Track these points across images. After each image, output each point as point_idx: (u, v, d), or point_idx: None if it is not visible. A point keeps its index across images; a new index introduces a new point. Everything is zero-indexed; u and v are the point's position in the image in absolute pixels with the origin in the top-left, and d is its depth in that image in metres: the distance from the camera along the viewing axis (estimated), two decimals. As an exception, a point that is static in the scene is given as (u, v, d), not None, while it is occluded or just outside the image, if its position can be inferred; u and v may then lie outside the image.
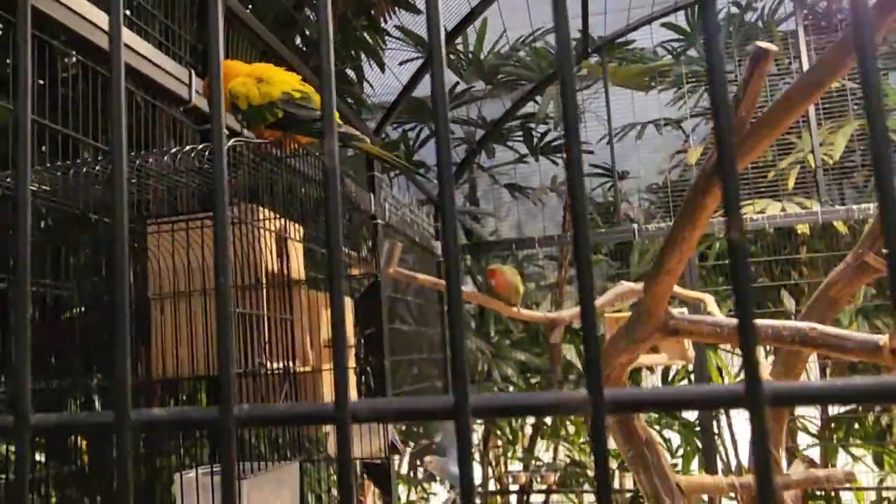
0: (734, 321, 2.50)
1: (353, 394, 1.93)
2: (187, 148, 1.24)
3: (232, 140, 1.30)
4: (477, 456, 5.77)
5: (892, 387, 0.27)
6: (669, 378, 5.18)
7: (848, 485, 3.18)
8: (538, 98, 5.41)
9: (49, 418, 0.32)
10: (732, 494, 2.90)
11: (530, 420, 5.62)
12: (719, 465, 4.77)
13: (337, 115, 1.32)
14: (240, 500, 1.16)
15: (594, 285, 0.32)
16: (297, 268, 1.75)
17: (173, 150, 1.23)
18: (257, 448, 1.46)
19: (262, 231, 1.51)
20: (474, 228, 5.52)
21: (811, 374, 5.06)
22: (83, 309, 1.74)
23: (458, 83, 5.60)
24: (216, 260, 0.39)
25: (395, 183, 5.02)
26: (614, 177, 4.99)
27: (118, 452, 0.31)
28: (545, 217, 5.80)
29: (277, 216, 1.61)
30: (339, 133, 1.46)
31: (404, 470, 5.23)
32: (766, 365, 2.97)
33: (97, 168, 1.37)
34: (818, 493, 4.82)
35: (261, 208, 1.58)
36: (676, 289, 3.59)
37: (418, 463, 5.29)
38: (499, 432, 5.61)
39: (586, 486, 5.14)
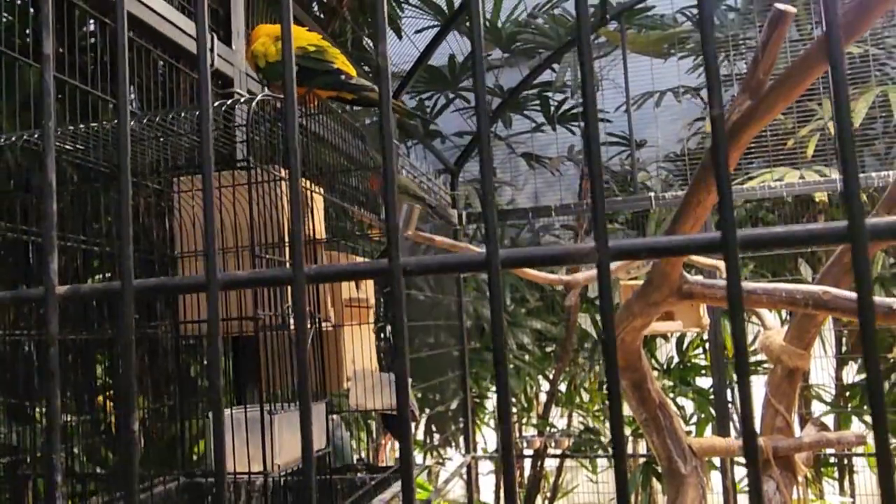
0: (748, 284, 2.51)
1: (372, 352, 1.98)
2: (217, 102, 1.27)
3: (260, 95, 1.34)
4: (492, 422, 5.85)
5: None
6: (684, 346, 5.21)
7: (860, 446, 3.21)
8: (555, 66, 5.38)
9: (113, 284, 0.36)
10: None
11: (545, 387, 5.68)
12: (732, 433, 4.81)
13: (352, 69, 1.35)
14: (271, 433, 1.22)
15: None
16: (319, 227, 1.79)
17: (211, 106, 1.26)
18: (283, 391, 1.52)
19: (284, 190, 1.55)
20: (491, 197, 5.52)
21: (828, 345, 5.06)
22: (108, 268, 1.79)
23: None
24: (292, 211, 0.42)
25: (412, 152, 5.04)
26: (632, 146, 4.98)
27: (210, 310, 0.35)
28: (562, 186, 5.80)
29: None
30: (351, 84, 1.49)
31: (420, 436, 5.32)
32: (779, 330, 2.99)
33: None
34: (830, 459, 4.85)
35: (282, 169, 1.62)
36: (691, 255, 3.60)
37: (433, 428, 5.38)
38: (514, 399, 5.67)
39: (600, 452, 5.21)
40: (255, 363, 1.39)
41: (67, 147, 1.35)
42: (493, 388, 5.68)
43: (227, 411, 1.27)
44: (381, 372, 1.78)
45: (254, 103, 1.27)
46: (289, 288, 1.46)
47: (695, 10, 5.27)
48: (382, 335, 1.96)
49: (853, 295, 2.32)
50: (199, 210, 1.57)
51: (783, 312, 4.46)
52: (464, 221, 4.91)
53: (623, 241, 0.34)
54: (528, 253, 0.35)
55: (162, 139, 1.33)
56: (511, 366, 5.30)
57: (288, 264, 1.68)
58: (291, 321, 1.56)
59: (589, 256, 0.32)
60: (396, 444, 2.44)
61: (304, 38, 1.58)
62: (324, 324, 1.72)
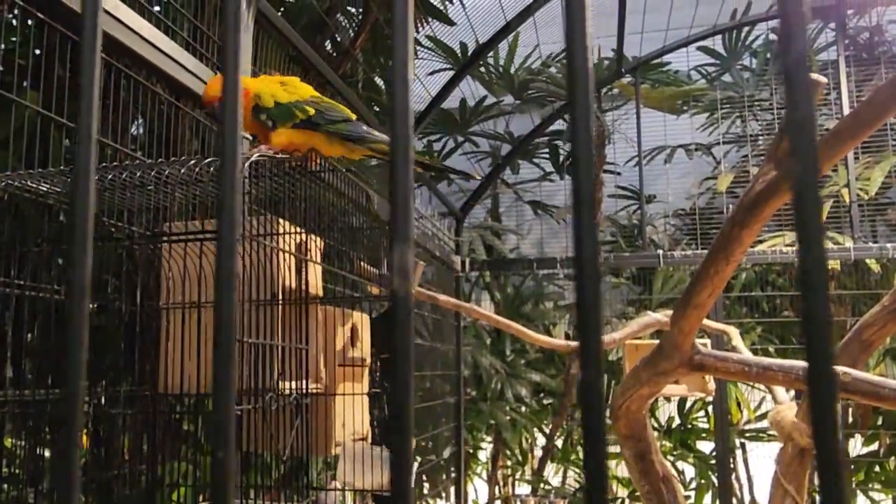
0: (763, 360, 2.40)
1: (364, 415, 1.85)
2: (208, 160, 1.18)
3: (255, 155, 1.24)
4: (484, 474, 5.66)
5: None
6: (686, 409, 5.05)
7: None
8: (567, 116, 5.33)
9: None
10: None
11: (541, 441, 5.52)
12: (734, 502, 4.63)
13: (353, 115, 1.25)
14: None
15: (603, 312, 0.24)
16: (315, 283, 1.69)
17: (192, 161, 1.18)
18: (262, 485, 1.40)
19: (280, 246, 1.45)
20: (495, 245, 5.44)
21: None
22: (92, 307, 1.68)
23: (486, 96, 5.54)
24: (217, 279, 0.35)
25: (417, 194, 4.96)
26: (641, 200, 4.90)
27: None
28: (567, 236, 5.71)
29: (297, 229, 1.55)
30: (356, 133, 1.40)
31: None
32: (791, 405, 2.86)
33: (122, 174, 1.32)
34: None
35: (281, 220, 1.52)
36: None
37: (423, 479, 5.20)
38: (508, 452, 5.51)
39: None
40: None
41: (55, 190, 1.26)
42: (489, 440, 5.52)
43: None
44: (373, 445, 1.66)
45: (246, 164, 1.17)
46: (273, 359, 1.35)
47: (710, 69, 5.24)
48: (377, 403, 1.84)
49: (876, 378, 2.20)
50: (189, 262, 1.47)
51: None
52: (466, 268, 4.80)
53: None
54: None
55: (151, 188, 1.24)
56: (507, 418, 5.15)
57: (280, 325, 1.57)
58: (278, 385, 1.45)
59: None
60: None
61: (308, 91, 1.50)
62: (312, 386, 1.60)
